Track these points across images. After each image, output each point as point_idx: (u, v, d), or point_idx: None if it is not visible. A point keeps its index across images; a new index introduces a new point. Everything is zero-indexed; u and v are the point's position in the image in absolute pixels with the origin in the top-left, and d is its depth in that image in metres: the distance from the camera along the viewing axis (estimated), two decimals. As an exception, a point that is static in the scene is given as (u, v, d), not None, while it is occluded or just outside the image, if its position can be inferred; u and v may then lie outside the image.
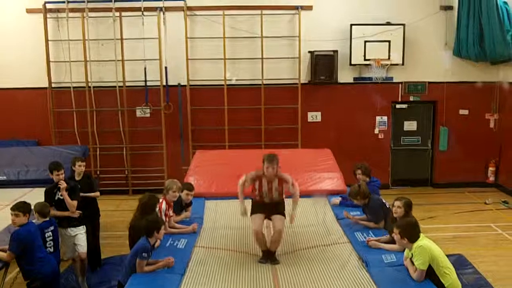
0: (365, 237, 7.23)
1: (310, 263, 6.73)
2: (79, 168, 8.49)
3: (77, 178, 8.52)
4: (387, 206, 7.58)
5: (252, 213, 7.21)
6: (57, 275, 7.04)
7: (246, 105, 13.84)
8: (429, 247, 5.79)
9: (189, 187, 8.28)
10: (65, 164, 8.75)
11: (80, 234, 8.07)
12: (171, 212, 7.51)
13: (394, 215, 6.79)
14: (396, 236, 6.06)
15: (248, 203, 7.30)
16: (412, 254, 5.88)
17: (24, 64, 13.48)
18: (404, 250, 6.17)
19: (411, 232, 5.94)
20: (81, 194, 8.26)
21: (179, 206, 8.08)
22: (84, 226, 8.17)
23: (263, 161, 7.05)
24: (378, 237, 7.12)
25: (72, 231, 7.96)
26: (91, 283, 8.48)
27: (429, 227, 10.70)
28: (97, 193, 8.84)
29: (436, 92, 14.15)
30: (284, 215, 7.13)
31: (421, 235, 5.97)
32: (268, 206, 7.13)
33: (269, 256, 6.97)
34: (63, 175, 7.93)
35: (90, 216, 8.64)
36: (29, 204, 6.94)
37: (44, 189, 8.09)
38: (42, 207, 7.16)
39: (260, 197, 7.13)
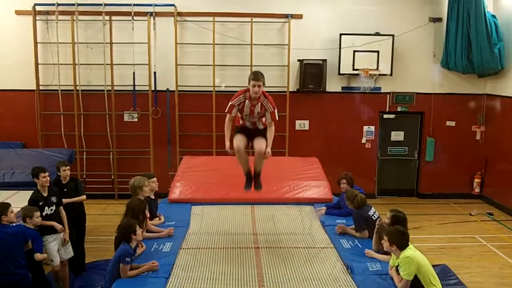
0: (350, 245, 7.29)
1: (295, 270, 6.72)
2: (64, 172, 8.48)
3: (63, 182, 8.51)
4: (374, 218, 7.60)
5: (234, 134, 7.25)
6: None
7: (234, 112, 13.82)
8: (416, 258, 5.81)
9: (151, 175, 8.41)
10: (51, 167, 8.73)
11: (56, 241, 7.98)
12: (147, 212, 7.41)
13: (384, 224, 6.84)
14: (385, 243, 6.08)
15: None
16: (398, 263, 5.90)
17: (12, 66, 13.42)
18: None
19: (400, 239, 5.96)
20: (66, 200, 8.24)
21: (152, 202, 8.10)
22: (58, 235, 8.01)
23: (249, 80, 7.00)
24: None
25: (44, 238, 7.79)
26: (74, 288, 8.45)
27: (414, 238, 10.62)
28: (83, 197, 8.79)
29: (423, 103, 14.25)
30: (265, 138, 7.15)
31: (410, 244, 5.99)
32: (250, 130, 7.19)
33: (254, 179, 7.16)
34: (49, 177, 7.88)
35: (76, 220, 8.62)
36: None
37: (28, 191, 8.04)
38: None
39: (242, 120, 7.17)
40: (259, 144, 7.09)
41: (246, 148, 7.37)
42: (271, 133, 7.17)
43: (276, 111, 7.22)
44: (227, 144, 7.17)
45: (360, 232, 7.60)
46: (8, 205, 6.92)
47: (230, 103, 7.22)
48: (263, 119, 7.23)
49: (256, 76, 6.93)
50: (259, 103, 7.05)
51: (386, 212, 6.94)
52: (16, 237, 6.69)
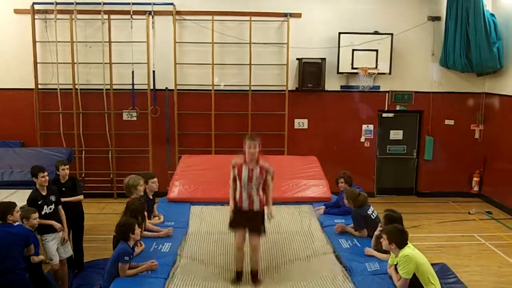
0: (349, 244, 7.30)
1: (294, 269, 6.73)
2: (63, 171, 8.50)
3: (62, 181, 8.53)
4: (373, 217, 7.60)
5: (232, 225, 6.92)
6: None
7: (233, 110, 13.85)
8: (414, 257, 5.81)
9: (151, 175, 8.29)
10: (50, 166, 8.72)
11: (55, 240, 7.98)
12: (144, 212, 7.36)
13: (381, 224, 6.87)
14: (384, 241, 6.09)
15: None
16: (397, 262, 5.91)
17: (11, 65, 13.41)
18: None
19: (398, 238, 5.97)
20: (64, 199, 8.24)
21: (150, 202, 8.05)
22: (57, 234, 8.00)
23: (244, 142, 6.76)
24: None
25: (43, 237, 7.84)
26: (73, 287, 8.43)
27: (413, 236, 10.63)
28: (81, 197, 8.79)
29: (422, 102, 14.25)
30: (259, 231, 6.86)
31: (409, 243, 6.00)
32: (247, 216, 6.79)
33: (251, 277, 6.73)
34: (48, 177, 7.87)
35: (74, 219, 8.62)
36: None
37: (27, 191, 8.03)
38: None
39: (239, 194, 6.88)
40: (254, 240, 6.79)
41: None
42: (270, 192, 6.96)
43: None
44: (231, 204, 6.87)
45: (359, 230, 7.62)
46: (14, 205, 6.89)
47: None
48: (261, 190, 6.83)
49: (251, 138, 6.80)
50: (258, 166, 6.80)
51: (383, 211, 6.95)
52: (18, 237, 6.64)
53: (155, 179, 8.20)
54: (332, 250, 7.37)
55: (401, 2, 13.84)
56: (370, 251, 6.88)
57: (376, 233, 6.96)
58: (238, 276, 6.75)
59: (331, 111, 14.12)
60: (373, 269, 6.39)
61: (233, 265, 6.89)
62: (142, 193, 7.59)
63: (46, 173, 7.80)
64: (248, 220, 6.77)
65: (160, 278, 6.15)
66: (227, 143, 13.55)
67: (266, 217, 6.81)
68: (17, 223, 6.90)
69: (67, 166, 8.60)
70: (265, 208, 6.89)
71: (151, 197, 8.14)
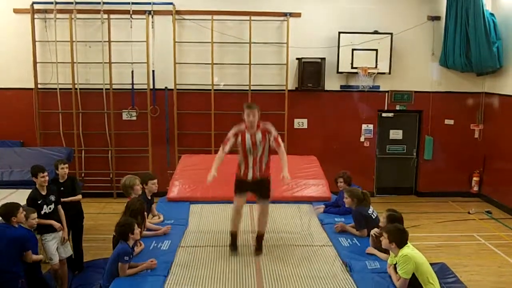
0: (349, 243, 7.30)
1: (294, 267, 6.72)
2: (62, 170, 8.49)
3: (61, 181, 8.52)
4: (373, 217, 7.60)
5: (235, 191, 7.01)
6: None
7: (232, 110, 13.79)
8: (413, 257, 5.80)
9: (151, 176, 8.21)
10: (50, 166, 8.72)
11: (55, 240, 7.99)
12: (144, 212, 7.31)
13: (380, 224, 6.85)
14: (384, 240, 6.08)
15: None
16: (396, 262, 5.91)
17: (10, 65, 13.41)
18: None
19: (399, 237, 5.96)
20: (62, 199, 8.23)
21: (148, 203, 7.98)
22: (57, 233, 8.02)
23: (243, 111, 6.86)
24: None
25: (43, 236, 7.86)
26: (72, 287, 8.43)
27: (412, 236, 10.60)
28: (79, 197, 8.77)
29: (422, 102, 14.24)
30: (268, 196, 7.00)
31: (409, 243, 5.99)
32: (254, 186, 6.90)
33: (257, 241, 6.89)
34: (48, 176, 7.87)
35: (73, 219, 8.62)
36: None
37: (27, 190, 8.04)
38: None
39: (245, 165, 6.88)
40: (264, 204, 6.92)
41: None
42: (283, 154, 6.99)
43: (279, 137, 7.05)
44: (211, 173, 6.87)
45: (359, 230, 7.60)
46: (18, 206, 6.86)
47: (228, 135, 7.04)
48: (265, 157, 6.93)
49: (249, 105, 6.91)
50: (259, 131, 6.88)
51: (384, 210, 6.94)
52: (17, 238, 6.63)
53: (155, 181, 8.12)
54: (332, 249, 7.36)
55: (401, 1, 13.84)
56: (371, 249, 6.87)
57: (372, 232, 6.96)
58: (233, 239, 6.94)
59: (331, 111, 14.11)
60: (373, 267, 6.39)
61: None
62: (140, 193, 7.58)
63: (46, 173, 7.80)
64: (256, 189, 6.93)
65: (159, 275, 6.15)
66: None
67: (281, 178, 6.86)
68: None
69: (66, 165, 8.60)
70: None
71: (149, 197, 8.11)
